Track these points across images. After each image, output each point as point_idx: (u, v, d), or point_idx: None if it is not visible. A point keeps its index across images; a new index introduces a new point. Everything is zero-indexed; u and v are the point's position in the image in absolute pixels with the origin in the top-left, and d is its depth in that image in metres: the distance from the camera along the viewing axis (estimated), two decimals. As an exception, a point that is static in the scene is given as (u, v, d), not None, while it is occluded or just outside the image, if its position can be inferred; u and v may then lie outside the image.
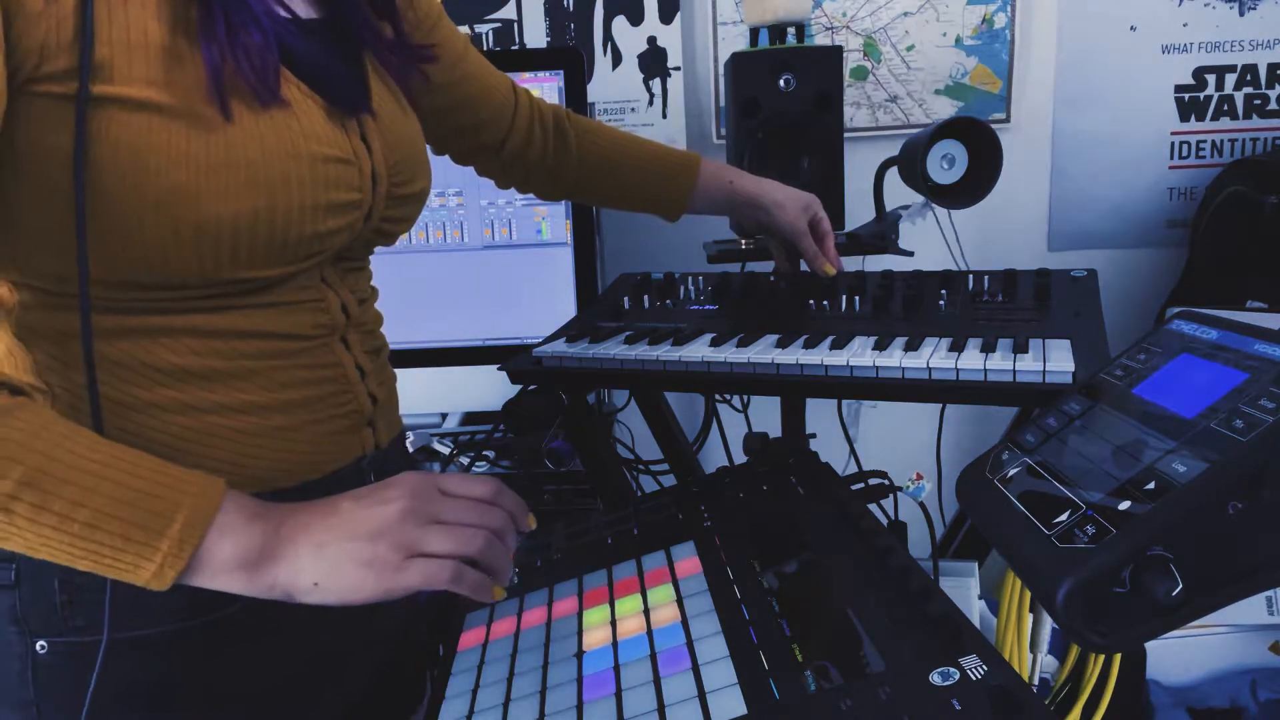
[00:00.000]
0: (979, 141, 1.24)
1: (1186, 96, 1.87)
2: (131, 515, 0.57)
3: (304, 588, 0.60)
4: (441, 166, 1.05)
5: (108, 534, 0.57)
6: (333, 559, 0.60)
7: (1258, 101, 1.87)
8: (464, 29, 1.88)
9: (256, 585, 0.60)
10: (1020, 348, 0.87)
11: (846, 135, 1.46)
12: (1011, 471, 0.67)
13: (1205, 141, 1.89)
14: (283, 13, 0.71)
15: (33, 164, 0.61)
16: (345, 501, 0.63)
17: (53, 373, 0.67)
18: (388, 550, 0.61)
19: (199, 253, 0.64)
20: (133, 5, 0.61)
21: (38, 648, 0.68)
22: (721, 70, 1.78)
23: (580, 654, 0.67)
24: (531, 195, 1.14)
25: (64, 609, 0.68)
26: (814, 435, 1.42)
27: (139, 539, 0.57)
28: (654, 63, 1.89)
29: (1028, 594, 0.90)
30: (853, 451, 1.45)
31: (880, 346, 0.92)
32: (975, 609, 1.03)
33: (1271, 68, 1.85)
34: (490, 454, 1.55)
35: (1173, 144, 1.89)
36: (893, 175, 1.35)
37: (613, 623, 0.69)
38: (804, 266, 1.15)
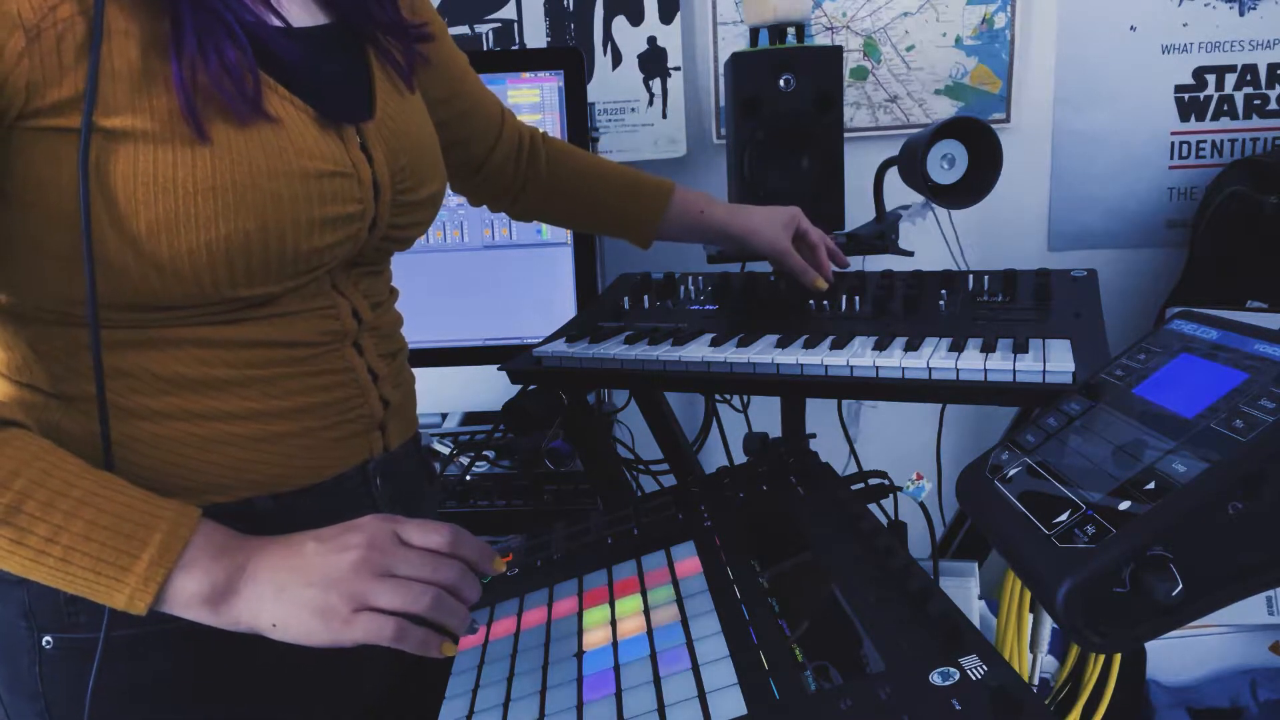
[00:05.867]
0: (979, 141, 1.24)
1: (1186, 96, 1.87)
2: (101, 552, 0.59)
3: (264, 626, 0.62)
4: (441, 167, 1.05)
5: (80, 568, 0.59)
6: (290, 603, 0.61)
7: (1258, 101, 1.87)
8: (464, 29, 1.88)
9: (221, 620, 0.62)
10: (1020, 348, 0.87)
11: (846, 135, 1.46)
12: (1011, 471, 0.67)
13: (1205, 141, 1.89)
14: (275, 21, 0.69)
15: (31, 197, 0.62)
16: (310, 542, 0.64)
17: (67, 383, 0.68)
18: (339, 601, 0.61)
19: (196, 276, 0.64)
20: (115, 33, 0.61)
21: (44, 643, 0.69)
22: (721, 70, 1.78)
23: (580, 654, 0.67)
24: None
25: (67, 605, 0.68)
26: (814, 435, 1.42)
27: (109, 574, 0.59)
28: (654, 63, 1.89)
29: (1028, 594, 0.90)
30: (853, 451, 1.45)
31: (880, 346, 0.92)
32: (975, 609, 1.03)
33: (1271, 68, 1.85)
34: (490, 454, 1.55)
35: (1173, 144, 1.89)
36: (893, 175, 1.35)
37: (613, 623, 0.69)
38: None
